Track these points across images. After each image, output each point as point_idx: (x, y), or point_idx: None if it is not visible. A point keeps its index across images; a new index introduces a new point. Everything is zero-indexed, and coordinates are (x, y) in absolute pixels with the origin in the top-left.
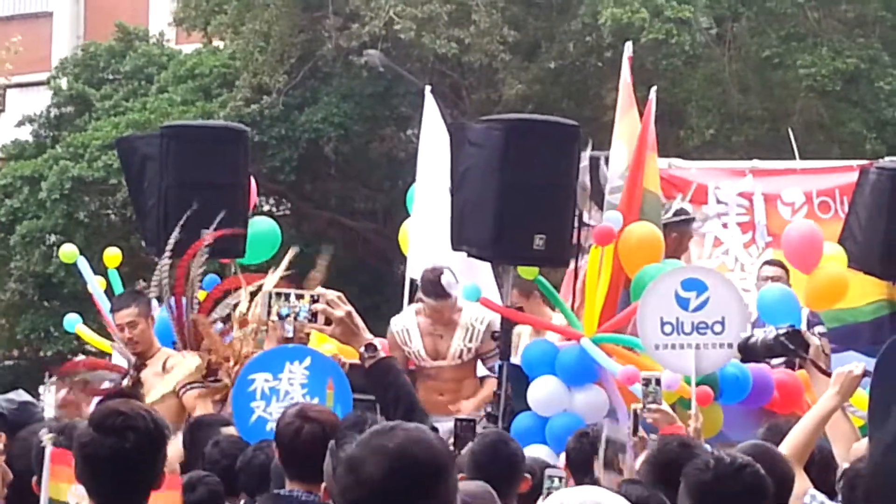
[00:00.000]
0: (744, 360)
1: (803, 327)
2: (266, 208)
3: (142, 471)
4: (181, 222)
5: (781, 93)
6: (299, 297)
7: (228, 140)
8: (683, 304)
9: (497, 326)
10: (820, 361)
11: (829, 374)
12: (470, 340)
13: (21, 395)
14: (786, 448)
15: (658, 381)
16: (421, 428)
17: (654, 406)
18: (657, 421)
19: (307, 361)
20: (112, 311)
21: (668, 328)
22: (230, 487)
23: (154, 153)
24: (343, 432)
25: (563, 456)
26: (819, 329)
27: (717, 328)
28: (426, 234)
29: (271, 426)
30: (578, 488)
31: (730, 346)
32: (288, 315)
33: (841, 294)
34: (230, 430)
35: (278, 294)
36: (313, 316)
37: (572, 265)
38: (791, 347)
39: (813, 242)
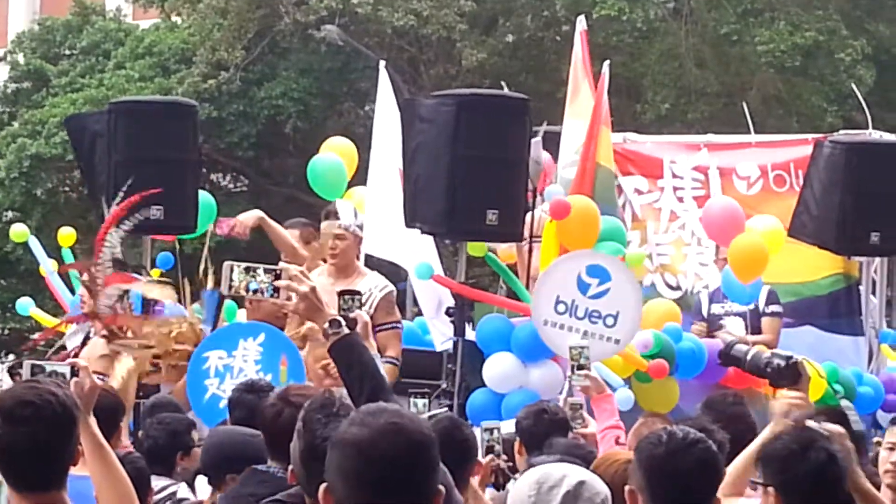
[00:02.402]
0: (722, 364)
1: (761, 303)
2: (224, 184)
3: (57, 456)
4: (117, 200)
5: (739, 67)
6: (267, 271)
7: (177, 115)
8: (583, 288)
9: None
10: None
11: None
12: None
13: None
14: (727, 479)
15: (581, 348)
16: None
17: (582, 373)
18: (586, 389)
19: (261, 338)
20: None
21: (561, 307)
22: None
23: (103, 130)
24: (309, 414)
25: None
26: (774, 308)
27: (610, 321)
28: (380, 211)
29: (224, 403)
30: (557, 465)
31: (617, 341)
32: (258, 290)
33: (761, 264)
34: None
35: (246, 268)
36: (276, 291)
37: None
38: (782, 380)
39: (734, 218)
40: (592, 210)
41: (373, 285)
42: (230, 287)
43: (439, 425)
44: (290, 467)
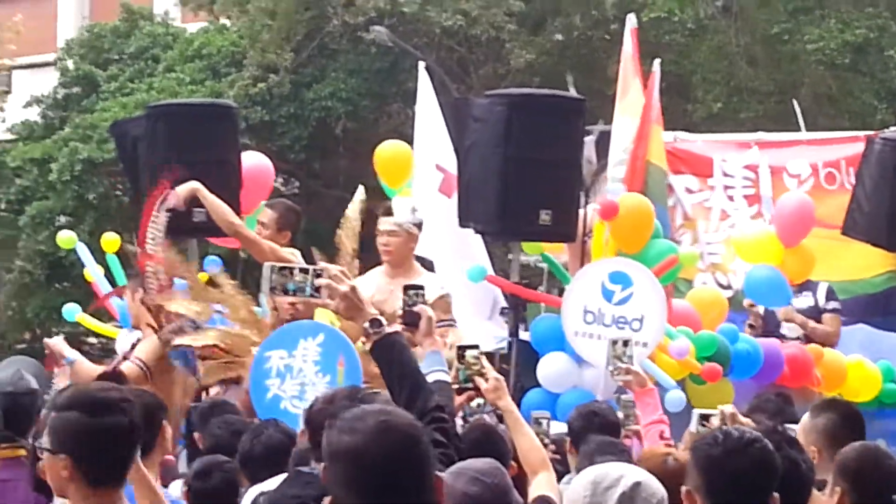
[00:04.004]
0: None
1: (821, 299)
2: (275, 187)
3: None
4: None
5: (789, 66)
6: (303, 271)
7: (216, 117)
8: (608, 295)
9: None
10: None
11: None
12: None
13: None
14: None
15: (626, 343)
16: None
17: (623, 366)
18: (628, 383)
19: (320, 338)
20: None
21: (589, 317)
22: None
23: (144, 134)
24: (339, 406)
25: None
26: (834, 304)
27: (636, 325)
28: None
29: (285, 404)
30: (614, 465)
31: (645, 345)
32: (296, 290)
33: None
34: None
35: (281, 268)
36: (317, 290)
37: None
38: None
39: (805, 216)
40: (646, 208)
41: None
42: (271, 288)
43: (471, 435)
44: (323, 465)
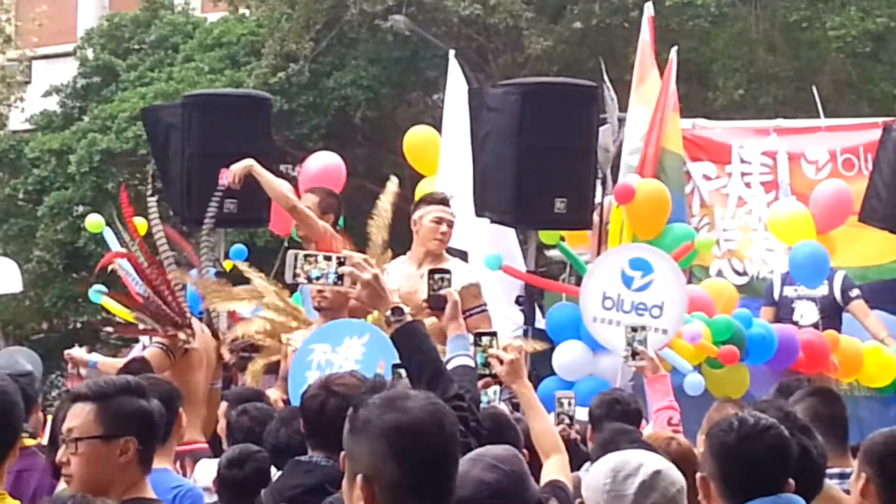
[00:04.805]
0: None
1: (836, 289)
2: (294, 175)
3: None
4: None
5: (810, 53)
6: (327, 258)
7: (250, 109)
8: (627, 281)
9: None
10: None
11: None
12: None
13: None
14: None
15: (636, 329)
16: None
17: (640, 349)
18: (642, 369)
19: (366, 338)
20: None
21: (608, 303)
22: None
23: (177, 123)
24: (360, 398)
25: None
26: (856, 291)
27: (656, 312)
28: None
29: None
30: (634, 452)
31: (664, 331)
32: (320, 278)
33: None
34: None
35: (305, 256)
36: (340, 278)
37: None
38: None
39: (842, 202)
40: (662, 193)
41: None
42: (294, 275)
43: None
44: (343, 453)
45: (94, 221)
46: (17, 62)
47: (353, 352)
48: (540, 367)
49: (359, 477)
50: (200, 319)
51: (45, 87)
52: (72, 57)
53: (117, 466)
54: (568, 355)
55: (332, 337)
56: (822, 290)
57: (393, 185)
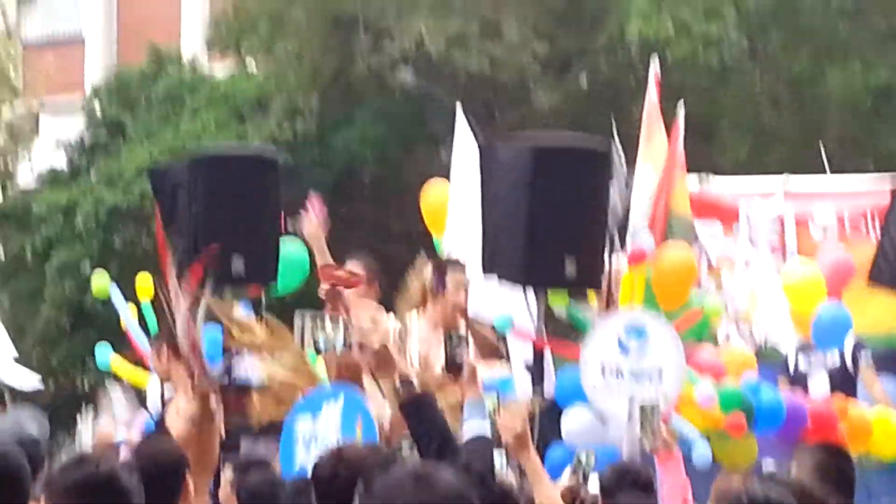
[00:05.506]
0: None
1: (848, 356)
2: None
3: None
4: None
5: (813, 107)
6: (333, 321)
7: (258, 166)
8: (625, 350)
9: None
10: None
11: None
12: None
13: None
14: None
15: (653, 408)
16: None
17: (657, 429)
18: (656, 451)
19: (341, 401)
20: None
21: (606, 372)
22: None
23: (183, 181)
24: (372, 472)
25: None
26: (865, 358)
27: (654, 376)
28: (460, 253)
29: None
30: None
31: (665, 397)
32: (328, 349)
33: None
34: None
35: (312, 317)
36: (347, 344)
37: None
38: None
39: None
40: (690, 260)
41: None
42: (303, 346)
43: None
44: None
45: (99, 285)
46: (25, 115)
47: (333, 418)
48: (550, 433)
49: None
50: None
51: (52, 140)
52: (79, 109)
53: None
54: (576, 422)
55: (312, 405)
56: (834, 360)
57: (424, 263)
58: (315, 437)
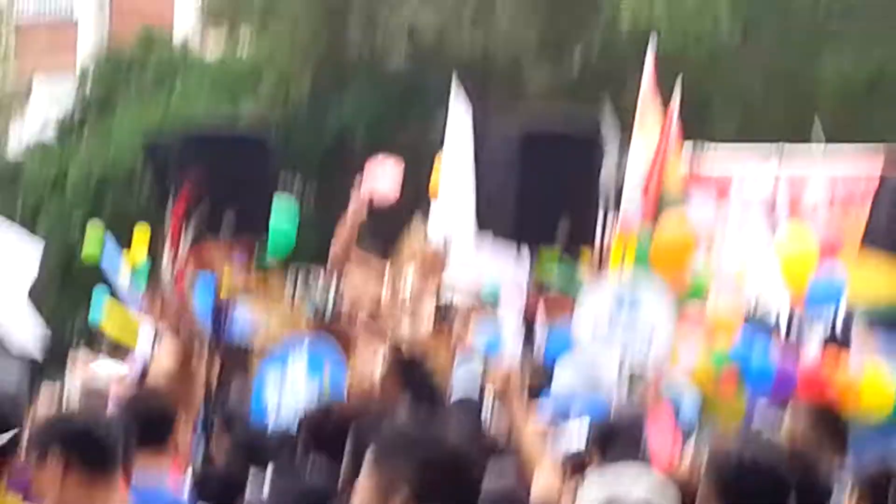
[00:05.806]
0: None
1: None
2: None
3: None
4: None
5: (807, 89)
6: (326, 282)
7: (250, 146)
8: (619, 306)
9: None
10: None
11: None
12: None
13: None
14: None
15: (643, 368)
16: None
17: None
18: (646, 405)
19: (306, 348)
20: None
21: (599, 329)
22: None
23: (176, 155)
24: (363, 423)
25: None
26: (861, 314)
27: (645, 334)
28: (450, 215)
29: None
30: (626, 481)
31: (656, 357)
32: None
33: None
34: None
35: (304, 273)
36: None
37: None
38: None
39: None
40: (689, 231)
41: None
42: (293, 298)
43: None
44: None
45: (93, 237)
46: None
47: (300, 366)
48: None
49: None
50: None
51: (42, 117)
52: (70, 88)
53: None
54: (565, 376)
55: (282, 355)
56: (827, 323)
57: (420, 224)
58: (284, 383)
